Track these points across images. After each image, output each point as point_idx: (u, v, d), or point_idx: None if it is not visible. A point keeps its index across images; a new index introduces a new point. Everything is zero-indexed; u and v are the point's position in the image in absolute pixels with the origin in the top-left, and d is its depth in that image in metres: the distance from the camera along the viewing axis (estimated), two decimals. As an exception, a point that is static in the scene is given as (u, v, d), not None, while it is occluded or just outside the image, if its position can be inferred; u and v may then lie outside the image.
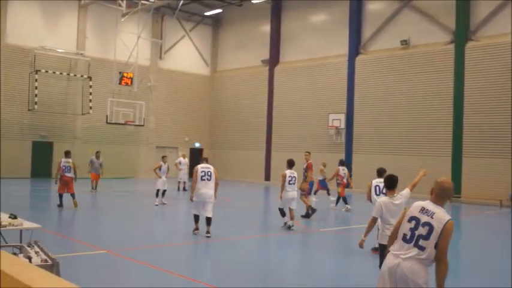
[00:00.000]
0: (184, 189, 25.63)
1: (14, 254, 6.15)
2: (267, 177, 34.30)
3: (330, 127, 30.36)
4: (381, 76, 28.80)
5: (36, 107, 29.26)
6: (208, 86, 39.11)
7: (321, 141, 31.37)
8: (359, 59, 29.96)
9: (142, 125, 32.27)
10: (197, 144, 38.08)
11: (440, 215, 4.82)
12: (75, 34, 32.25)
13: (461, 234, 16.67)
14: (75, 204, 17.10)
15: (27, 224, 8.42)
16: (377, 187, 11.34)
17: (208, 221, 12.47)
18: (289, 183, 14.31)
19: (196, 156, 37.52)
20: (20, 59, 29.80)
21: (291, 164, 14.69)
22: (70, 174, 17.52)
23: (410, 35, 27.81)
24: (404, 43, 27.82)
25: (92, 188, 23.53)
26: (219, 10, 36.65)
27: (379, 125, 28.67)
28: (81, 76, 31.66)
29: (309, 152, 17.63)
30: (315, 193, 21.94)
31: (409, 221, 4.93)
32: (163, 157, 20.27)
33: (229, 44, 38.68)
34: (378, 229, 8.14)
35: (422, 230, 4.80)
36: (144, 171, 34.29)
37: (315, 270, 9.84)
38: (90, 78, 31.41)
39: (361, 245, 7.25)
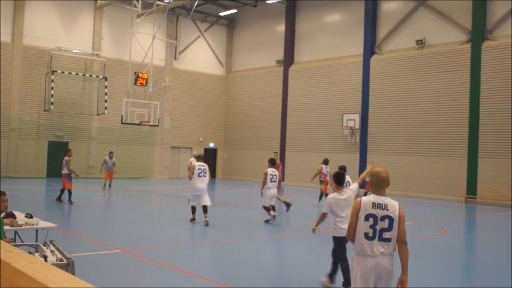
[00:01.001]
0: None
1: (30, 253, 6.21)
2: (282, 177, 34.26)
3: (345, 127, 30.24)
4: (396, 76, 28.63)
5: (52, 107, 29.55)
6: (223, 87, 39.17)
7: (335, 141, 31.27)
8: (374, 59, 29.81)
9: (157, 126, 32.42)
10: (211, 145, 38.14)
11: (392, 204, 5.14)
12: (91, 35, 32.49)
13: (477, 235, 16.52)
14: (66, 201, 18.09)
15: (43, 224, 8.50)
16: (348, 182, 12.73)
17: (205, 209, 14.37)
18: (270, 181, 15.19)
19: (211, 156, 37.69)
20: (36, 59, 30.10)
21: (272, 163, 15.70)
22: (63, 171, 18.49)
23: (426, 35, 27.61)
24: (420, 43, 27.63)
25: (104, 186, 24.71)
26: (234, 11, 36.68)
27: (394, 125, 28.50)
28: (97, 77, 31.88)
29: (277, 152, 18.18)
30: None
31: (366, 219, 5.11)
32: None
33: (244, 44, 38.71)
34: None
35: (382, 224, 5.07)
36: (158, 172, 34.45)
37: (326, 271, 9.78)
38: (105, 78, 31.63)
39: (313, 231, 8.63)
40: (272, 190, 15.23)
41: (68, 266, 5.87)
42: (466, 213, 21.57)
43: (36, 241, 7.92)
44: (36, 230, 8.47)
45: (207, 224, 14.21)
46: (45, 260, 5.81)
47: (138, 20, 30.89)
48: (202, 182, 14.64)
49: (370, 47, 29.97)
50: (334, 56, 32.14)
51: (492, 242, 14.32)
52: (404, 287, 5.19)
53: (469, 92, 25.48)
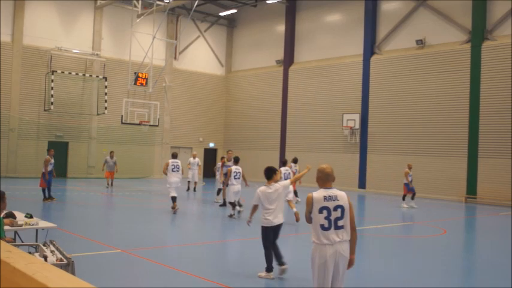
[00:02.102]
0: (194, 189, 25.41)
1: (30, 253, 6.21)
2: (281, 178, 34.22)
3: (345, 127, 30.24)
4: (396, 76, 28.63)
5: (52, 107, 29.56)
6: (223, 87, 39.18)
7: (335, 141, 31.28)
8: (374, 59, 29.81)
9: (157, 125, 32.43)
10: (211, 145, 38.15)
11: (341, 194, 5.65)
12: (90, 35, 32.49)
13: (477, 235, 16.52)
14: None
15: (43, 224, 8.50)
16: (285, 174, 16.76)
17: (174, 199, 16.84)
18: (234, 178, 16.56)
19: (211, 156, 37.70)
20: (36, 59, 30.10)
21: (236, 161, 17.52)
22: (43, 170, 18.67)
23: (426, 35, 27.61)
24: (420, 43, 27.63)
25: (108, 184, 25.63)
26: (234, 10, 36.68)
27: (394, 125, 28.51)
28: (97, 77, 31.89)
29: (231, 150, 20.06)
30: (403, 199, 21.71)
31: (320, 212, 5.54)
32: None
33: (244, 44, 38.72)
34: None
35: (336, 214, 5.54)
36: (158, 172, 34.44)
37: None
38: (105, 78, 31.63)
39: (248, 223, 9.18)
40: (236, 186, 16.52)
41: (68, 266, 5.87)
42: (466, 213, 21.57)
43: (36, 241, 7.93)
44: (36, 230, 8.47)
45: (175, 212, 16.68)
46: (45, 260, 5.81)
47: (138, 20, 30.90)
48: (176, 176, 17.20)
49: (370, 47, 29.98)
50: (334, 56, 32.15)
51: (492, 242, 14.32)
52: (352, 263, 5.72)
53: (469, 92, 25.49)
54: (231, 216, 16.18)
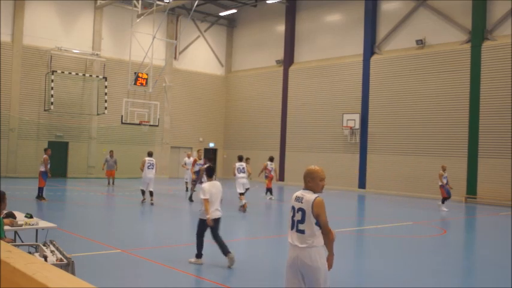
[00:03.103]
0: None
1: (30, 253, 6.21)
2: (281, 178, 34.25)
3: (345, 127, 30.24)
4: (396, 76, 28.63)
5: (52, 107, 29.56)
6: (222, 87, 39.18)
7: (335, 141, 31.28)
8: (374, 59, 29.81)
9: (157, 125, 32.43)
10: (211, 145, 38.15)
11: (308, 197, 5.31)
12: (90, 35, 32.48)
13: (477, 235, 16.52)
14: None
15: (43, 224, 8.50)
16: (238, 168, 18.60)
17: (151, 193, 18.98)
18: (239, 172, 18.46)
19: (211, 156, 37.66)
20: (36, 59, 30.10)
21: (240, 159, 19.28)
22: (40, 169, 18.91)
23: (426, 35, 27.61)
24: (420, 43, 27.63)
25: (109, 183, 26.28)
26: (234, 11, 36.68)
27: (394, 125, 28.51)
28: (97, 77, 31.89)
29: (201, 149, 21.36)
30: (442, 202, 21.08)
31: (290, 210, 5.45)
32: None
33: (244, 44, 38.72)
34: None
35: (297, 216, 5.32)
36: (158, 171, 34.38)
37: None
38: (105, 78, 31.63)
39: (208, 221, 9.36)
40: (242, 179, 18.33)
41: (68, 266, 5.87)
42: (466, 213, 21.56)
43: (36, 241, 7.93)
44: (36, 230, 8.47)
45: (152, 204, 18.66)
46: (45, 260, 5.81)
47: (138, 20, 30.90)
48: (150, 173, 19.27)
49: (370, 47, 29.97)
50: (334, 56, 32.14)
51: (492, 242, 14.32)
52: (330, 262, 5.46)
53: (469, 92, 25.48)
54: (242, 207, 17.83)
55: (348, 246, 12.97)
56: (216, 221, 9.54)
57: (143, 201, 19.17)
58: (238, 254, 11.01)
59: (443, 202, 21.04)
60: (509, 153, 23.87)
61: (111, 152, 26.86)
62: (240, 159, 19.25)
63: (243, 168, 18.71)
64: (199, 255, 9.64)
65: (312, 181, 5.41)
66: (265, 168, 23.07)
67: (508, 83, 24.12)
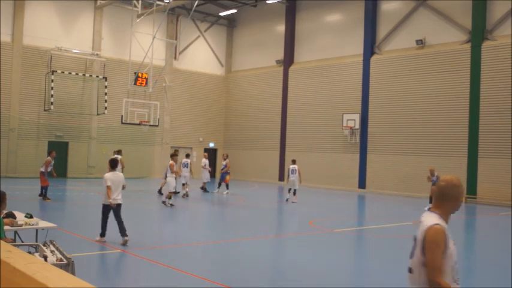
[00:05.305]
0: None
1: (30, 253, 6.21)
2: (281, 178, 34.25)
3: (345, 127, 30.24)
4: (396, 76, 28.63)
5: (52, 107, 29.56)
6: (222, 87, 39.18)
7: (335, 141, 31.27)
8: (374, 58, 29.80)
9: (157, 126, 32.42)
10: (211, 145, 38.15)
11: (425, 222, 3.80)
12: (90, 35, 32.48)
13: (477, 235, 16.52)
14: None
15: (43, 224, 8.50)
16: (185, 163, 22.35)
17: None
18: (171, 172, 19.41)
19: (211, 157, 37.66)
20: (36, 59, 30.10)
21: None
22: (41, 169, 19.02)
23: (426, 35, 27.61)
24: (420, 43, 27.62)
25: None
26: (234, 10, 36.67)
27: (394, 125, 28.50)
28: (97, 77, 31.88)
29: (176, 155, 21.40)
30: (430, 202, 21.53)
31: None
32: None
33: (244, 44, 38.71)
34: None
35: (413, 248, 3.90)
36: (158, 171, 34.41)
37: (328, 271, 9.79)
38: (105, 78, 31.63)
39: (111, 205, 11.00)
40: (172, 179, 19.18)
41: (68, 266, 5.87)
42: (466, 213, 21.56)
43: (36, 241, 7.92)
44: (36, 230, 8.47)
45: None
46: (45, 260, 5.81)
47: (138, 20, 30.89)
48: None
49: (370, 47, 29.97)
50: (334, 56, 32.14)
51: (492, 242, 14.32)
52: None
53: (469, 92, 25.48)
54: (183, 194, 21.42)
55: (348, 246, 12.98)
56: (118, 205, 11.08)
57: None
58: (239, 254, 11.03)
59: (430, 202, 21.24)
60: (509, 153, 23.86)
61: (114, 152, 25.92)
62: (187, 156, 23.15)
63: (187, 163, 22.33)
64: (103, 234, 11.19)
65: (446, 199, 3.86)
66: (228, 166, 25.27)
67: (508, 83, 24.11)
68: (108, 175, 11.08)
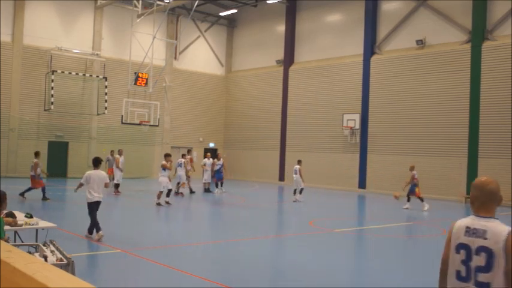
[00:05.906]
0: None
1: (30, 253, 6.21)
2: (281, 178, 34.26)
3: (345, 127, 30.23)
4: (396, 76, 28.62)
5: (52, 107, 29.55)
6: (223, 87, 39.18)
7: (335, 141, 31.27)
8: (374, 59, 29.80)
9: (157, 125, 32.42)
10: (211, 145, 38.15)
11: (495, 229, 3.51)
12: (91, 35, 32.48)
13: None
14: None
15: (43, 224, 8.50)
16: (179, 162, 22.45)
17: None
18: (164, 171, 19.61)
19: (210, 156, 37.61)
20: (36, 59, 30.10)
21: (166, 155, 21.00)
22: (31, 173, 18.84)
23: (426, 35, 27.60)
24: (420, 43, 27.62)
25: (110, 180, 25.51)
26: (234, 11, 36.67)
27: (394, 125, 28.49)
28: (97, 77, 31.88)
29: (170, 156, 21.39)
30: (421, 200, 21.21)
31: (457, 251, 3.63)
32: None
33: (244, 44, 38.71)
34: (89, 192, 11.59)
35: (478, 260, 3.49)
36: (158, 172, 34.41)
37: (328, 271, 9.79)
38: (105, 78, 31.63)
39: (75, 191, 12.50)
40: (164, 178, 19.27)
41: (68, 266, 5.87)
42: (466, 213, 21.54)
43: (36, 241, 7.92)
44: (36, 230, 8.47)
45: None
46: (45, 260, 5.81)
47: (138, 20, 30.90)
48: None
49: (370, 47, 29.96)
50: (334, 56, 32.13)
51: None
52: None
53: (469, 92, 25.47)
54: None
55: (348, 246, 12.98)
56: (97, 202, 11.53)
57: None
58: (239, 254, 11.02)
59: (422, 200, 21.07)
60: (509, 153, 23.85)
61: (112, 151, 25.59)
62: (182, 156, 23.62)
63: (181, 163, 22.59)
64: (98, 228, 11.48)
65: (495, 203, 3.79)
66: (215, 165, 25.89)
67: (508, 83, 24.09)
68: (89, 173, 11.56)
